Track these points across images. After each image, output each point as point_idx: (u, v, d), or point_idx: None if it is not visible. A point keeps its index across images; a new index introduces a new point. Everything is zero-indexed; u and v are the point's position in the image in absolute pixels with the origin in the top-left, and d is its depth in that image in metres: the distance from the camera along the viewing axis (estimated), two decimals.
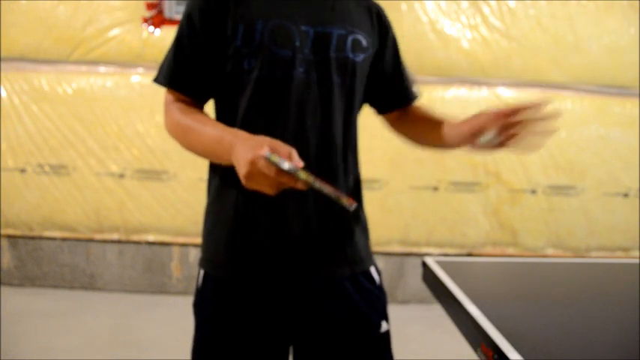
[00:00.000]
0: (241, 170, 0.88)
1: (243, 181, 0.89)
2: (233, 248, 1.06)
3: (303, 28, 1.03)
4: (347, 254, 1.09)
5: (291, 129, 1.02)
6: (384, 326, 1.13)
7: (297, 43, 1.02)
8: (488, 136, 1.01)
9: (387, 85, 1.19)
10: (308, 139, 1.03)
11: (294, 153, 0.87)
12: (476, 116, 1.06)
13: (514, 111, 0.99)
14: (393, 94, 1.21)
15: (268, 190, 0.88)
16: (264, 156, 0.84)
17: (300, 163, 0.86)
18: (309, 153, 1.02)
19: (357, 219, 1.14)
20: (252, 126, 1.02)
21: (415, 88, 1.25)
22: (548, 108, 0.98)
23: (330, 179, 1.04)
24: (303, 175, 0.83)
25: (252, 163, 0.86)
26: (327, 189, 0.84)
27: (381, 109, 1.24)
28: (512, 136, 1.00)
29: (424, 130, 1.19)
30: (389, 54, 1.18)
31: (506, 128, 1.00)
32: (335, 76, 1.05)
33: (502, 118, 1.00)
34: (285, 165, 0.83)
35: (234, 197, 1.06)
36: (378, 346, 1.13)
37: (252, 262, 1.05)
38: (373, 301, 1.12)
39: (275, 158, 0.84)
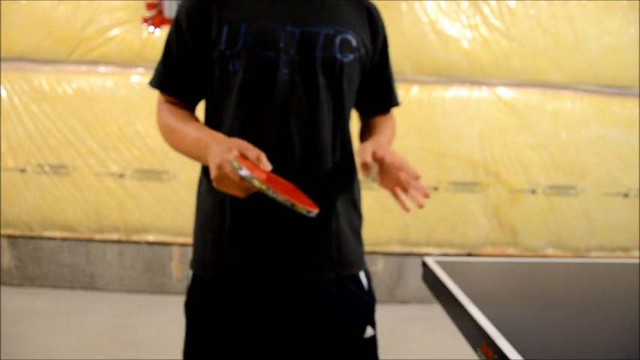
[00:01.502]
0: (212, 173, 0.90)
1: (213, 183, 0.91)
2: (220, 249, 1.06)
3: (288, 28, 1.02)
4: (333, 258, 1.08)
5: (275, 131, 1.02)
6: (369, 332, 1.12)
7: (282, 44, 1.02)
8: (374, 172, 1.02)
9: (368, 88, 1.16)
10: (292, 140, 1.02)
11: (263, 156, 0.89)
12: (365, 147, 1.02)
13: (391, 162, 0.97)
14: (372, 98, 1.19)
15: (237, 192, 0.90)
16: (229, 160, 0.86)
17: (268, 167, 0.88)
18: (294, 155, 1.02)
19: (350, 221, 1.13)
20: (238, 128, 1.03)
21: (395, 96, 1.22)
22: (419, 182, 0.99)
23: (317, 181, 1.04)
24: (257, 182, 0.84)
25: (220, 167, 0.88)
26: (281, 197, 0.85)
27: (358, 109, 1.21)
28: (392, 183, 1.00)
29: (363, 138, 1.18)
30: (376, 56, 1.15)
31: (386, 173, 1.00)
32: (321, 76, 1.03)
33: (378, 160, 0.99)
34: (242, 172, 0.84)
35: (221, 199, 1.06)
36: (361, 352, 1.12)
37: (239, 264, 1.05)
38: (359, 306, 1.11)
39: (235, 164, 0.85)
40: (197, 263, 1.11)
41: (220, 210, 1.06)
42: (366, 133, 1.18)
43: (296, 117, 1.02)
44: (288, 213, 1.03)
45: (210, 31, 1.03)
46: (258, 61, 1.01)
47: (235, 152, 0.87)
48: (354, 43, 1.07)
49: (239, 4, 1.04)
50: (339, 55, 1.04)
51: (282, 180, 0.95)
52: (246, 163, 0.86)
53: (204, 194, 1.10)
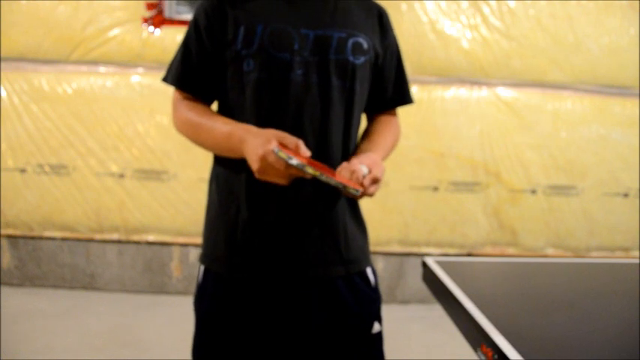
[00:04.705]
0: (254, 165, 0.94)
1: (256, 174, 0.95)
2: (233, 244, 1.08)
3: (302, 31, 1.05)
4: (342, 254, 1.10)
5: (289, 130, 1.03)
6: (376, 327, 1.14)
7: (296, 46, 1.04)
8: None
9: (376, 87, 1.18)
10: (306, 140, 1.04)
11: (301, 144, 0.93)
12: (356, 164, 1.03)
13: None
14: (377, 96, 1.20)
15: (281, 181, 0.94)
16: (273, 151, 0.90)
17: (307, 153, 0.93)
18: None
19: (356, 218, 1.14)
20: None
21: (404, 95, 1.23)
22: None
23: None
24: (310, 169, 0.88)
25: (263, 159, 0.92)
26: (333, 181, 0.89)
27: (366, 108, 1.22)
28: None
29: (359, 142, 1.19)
30: (386, 58, 1.18)
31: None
32: (334, 78, 1.06)
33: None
34: (293, 161, 0.88)
35: (235, 195, 1.07)
36: (368, 347, 1.14)
37: (251, 259, 1.07)
38: (366, 302, 1.13)
39: (282, 154, 0.89)
40: (209, 258, 1.12)
41: (235, 205, 1.07)
42: (365, 136, 1.18)
43: (309, 117, 1.05)
44: (299, 210, 1.05)
45: (226, 32, 1.05)
46: (273, 62, 1.03)
47: (275, 142, 0.91)
48: (365, 45, 1.09)
49: (254, 7, 1.06)
50: (351, 58, 1.07)
51: (320, 164, 0.98)
52: (287, 152, 0.90)
53: (217, 191, 1.12)
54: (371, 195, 0.98)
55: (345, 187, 0.90)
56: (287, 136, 0.94)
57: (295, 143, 0.93)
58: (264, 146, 0.92)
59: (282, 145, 0.92)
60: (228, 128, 1.02)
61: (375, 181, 0.98)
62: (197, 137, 1.09)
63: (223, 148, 1.04)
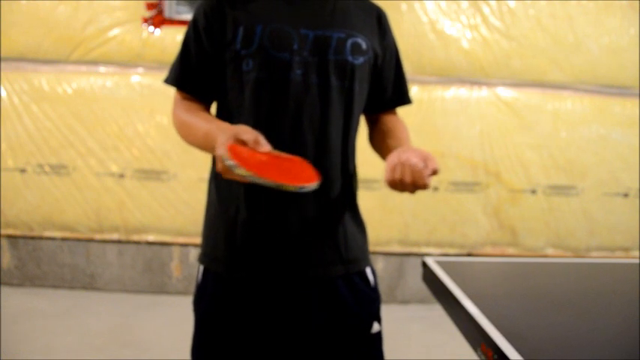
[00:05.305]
0: (217, 166, 0.92)
1: (222, 175, 0.92)
2: (232, 244, 1.08)
3: (302, 31, 1.05)
4: (342, 254, 1.10)
5: (288, 130, 1.04)
6: (375, 327, 1.14)
7: (296, 47, 1.04)
8: None
9: (375, 87, 1.18)
10: (305, 140, 1.04)
11: (261, 138, 0.92)
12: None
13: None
14: (377, 97, 1.19)
15: (242, 179, 0.90)
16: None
17: (266, 147, 0.91)
18: (307, 153, 1.04)
19: (355, 218, 1.14)
20: (251, 126, 1.04)
21: (403, 95, 1.23)
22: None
23: (325, 178, 1.05)
24: (241, 171, 0.85)
25: (221, 158, 0.90)
26: (267, 181, 0.86)
27: (366, 109, 1.21)
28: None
29: (377, 142, 1.19)
30: (386, 59, 1.18)
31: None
32: (333, 78, 1.06)
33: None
34: (228, 162, 0.86)
35: (235, 194, 1.07)
36: (367, 347, 1.14)
37: (250, 258, 1.07)
38: (365, 302, 1.13)
39: (223, 154, 0.87)
40: (208, 258, 1.12)
41: (234, 205, 1.07)
42: (382, 137, 1.17)
43: (309, 117, 1.05)
44: (299, 210, 1.05)
45: (225, 32, 1.05)
46: (273, 62, 1.04)
47: (229, 142, 0.89)
48: (364, 46, 1.10)
49: (254, 7, 1.06)
50: (350, 58, 1.07)
51: (284, 156, 0.95)
52: (242, 150, 0.88)
53: (217, 191, 1.12)
54: (427, 187, 0.97)
55: (280, 185, 0.87)
56: (248, 130, 0.92)
57: (254, 138, 0.91)
58: (222, 146, 0.90)
59: (241, 142, 0.90)
60: (207, 127, 1.01)
61: (435, 172, 0.97)
62: (187, 137, 1.09)
63: (205, 147, 1.04)
